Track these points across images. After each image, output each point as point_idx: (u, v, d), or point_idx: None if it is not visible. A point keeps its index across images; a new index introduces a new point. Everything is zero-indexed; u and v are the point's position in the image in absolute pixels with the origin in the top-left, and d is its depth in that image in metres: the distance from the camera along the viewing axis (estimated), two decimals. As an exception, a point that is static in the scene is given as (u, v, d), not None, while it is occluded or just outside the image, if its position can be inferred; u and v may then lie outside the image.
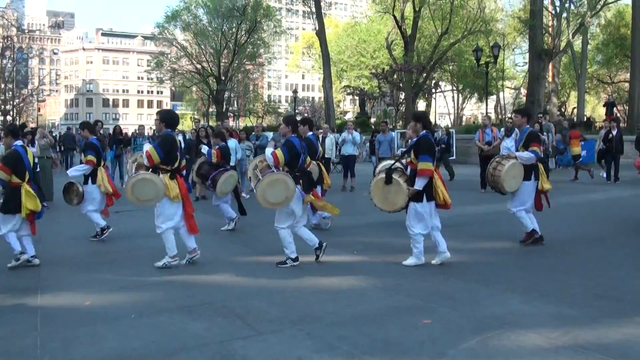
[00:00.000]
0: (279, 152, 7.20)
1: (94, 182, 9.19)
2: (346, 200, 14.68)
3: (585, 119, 39.05)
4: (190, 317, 5.40)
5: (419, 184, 7.07)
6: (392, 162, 7.83)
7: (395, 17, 40.93)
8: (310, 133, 9.63)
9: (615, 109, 40.08)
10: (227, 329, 5.06)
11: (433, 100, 57.70)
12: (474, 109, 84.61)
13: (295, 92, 52.80)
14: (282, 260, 7.40)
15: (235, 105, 64.40)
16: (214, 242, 8.87)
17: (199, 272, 7.08)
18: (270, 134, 19.35)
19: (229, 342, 4.76)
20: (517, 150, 8.64)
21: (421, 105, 59.66)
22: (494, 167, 8.46)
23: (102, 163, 9.50)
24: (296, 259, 7.37)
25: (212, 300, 5.89)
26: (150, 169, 7.31)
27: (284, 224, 7.35)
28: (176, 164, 7.35)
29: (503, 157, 8.66)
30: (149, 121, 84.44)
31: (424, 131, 7.32)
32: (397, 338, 4.79)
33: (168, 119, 7.58)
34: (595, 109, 63.56)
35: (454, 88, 62.21)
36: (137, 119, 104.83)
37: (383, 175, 7.34)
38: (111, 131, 21.53)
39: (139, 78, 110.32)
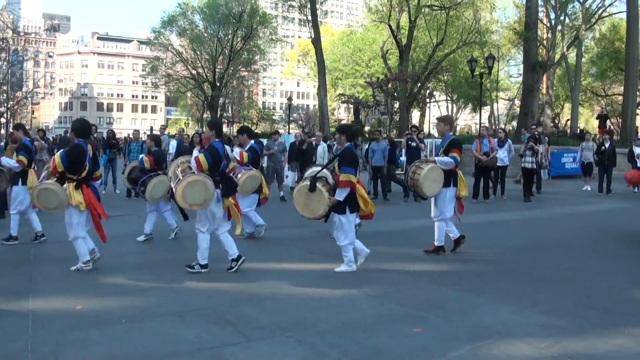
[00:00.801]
0: (202, 157, 7.23)
1: (24, 183, 9.23)
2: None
3: (578, 131, 39.24)
4: (182, 323, 5.41)
5: (340, 195, 7.20)
6: (319, 169, 7.93)
7: (390, 27, 41.12)
8: (252, 141, 9.91)
9: (608, 121, 40.34)
10: (217, 335, 5.07)
11: (427, 110, 57.84)
12: (468, 119, 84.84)
13: (290, 99, 52.90)
14: (191, 264, 7.42)
15: (230, 112, 64.45)
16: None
17: (190, 279, 7.08)
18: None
19: (220, 348, 4.76)
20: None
21: (415, 115, 59.93)
22: (413, 171, 8.49)
23: (33, 165, 9.58)
24: (205, 266, 7.37)
25: (203, 307, 5.90)
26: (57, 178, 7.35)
27: (204, 226, 7.38)
28: (83, 174, 7.37)
29: (422, 162, 8.71)
30: (143, 126, 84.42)
31: (348, 143, 7.49)
32: (387, 346, 4.81)
33: (78, 129, 7.62)
34: (589, 121, 63.81)
35: (448, 98, 62.42)
36: (131, 123, 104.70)
37: (308, 182, 7.41)
38: (105, 135, 21.49)
39: (133, 82, 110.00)
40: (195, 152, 7.56)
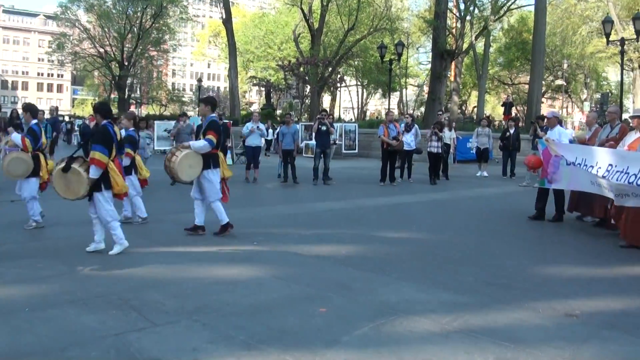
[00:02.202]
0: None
1: None
2: (249, 192, 14.64)
3: (484, 117, 40.67)
4: (85, 310, 5.23)
5: (93, 173, 7.16)
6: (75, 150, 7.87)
7: (302, 10, 41.14)
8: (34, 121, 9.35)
9: (514, 109, 42.05)
10: (122, 322, 4.94)
11: (338, 94, 58.36)
12: (377, 105, 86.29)
13: (200, 80, 51.96)
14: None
15: (138, 93, 62.68)
16: (108, 234, 8.62)
17: (94, 265, 6.86)
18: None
19: (124, 334, 4.64)
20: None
21: (326, 99, 60.34)
22: (168, 158, 8.45)
23: None
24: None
25: (107, 293, 5.72)
26: None
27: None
28: None
29: (178, 148, 8.66)
30: (48, 105, 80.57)
31: (104, 121, 7.44)
32: (293, 327, 4.84)
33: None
34: (495, 109, 66.31)
35: (359, 83, 63.17)
36: (36, 103, 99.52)
37: (63, 164, 7.31)
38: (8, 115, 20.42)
39: (39, 60, 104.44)
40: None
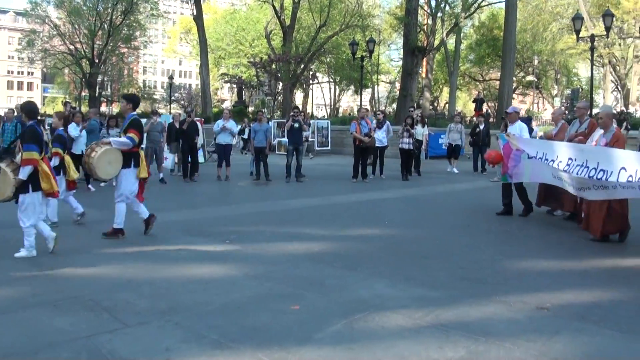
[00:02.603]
0: None
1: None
2: (221, 190, 14.59)
3: (456, 114, 40.99)
4: (57, 312, 5.16)
5: (23, 174, 7.05)
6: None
7: (274, 7, 41.02)
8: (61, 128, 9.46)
9: (485, 105, 42.42)
10: (93, 323, 4.89)
11: (310, 91, 58.33)
12: (350, 101, 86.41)
13: (171, 77, 51.54)
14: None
15: (109, 90, 61.89)
16: (82, 233, 8.55)
17: (66, 266, 6.77)
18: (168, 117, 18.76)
19: (96, 336, 4.60)
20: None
21: (299, 96, 60.27)
22: (87, 154, 8.30)
23: None
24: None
25: (79, 294, 5.65)
26: None
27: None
28: None
29: (97, 144, 8.49)
30: (19, 104, 78.87)
31: (31, 121, 7.32)
32: (265, 324, 4.84)
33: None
34: (467, 105, 66.84)
35: (331, 80, 63.18)
36: (6, 101, 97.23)
37: None
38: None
39: (9, 57, 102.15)
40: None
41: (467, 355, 4.31)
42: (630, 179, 7.48)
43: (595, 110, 26.45)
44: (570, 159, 8.68)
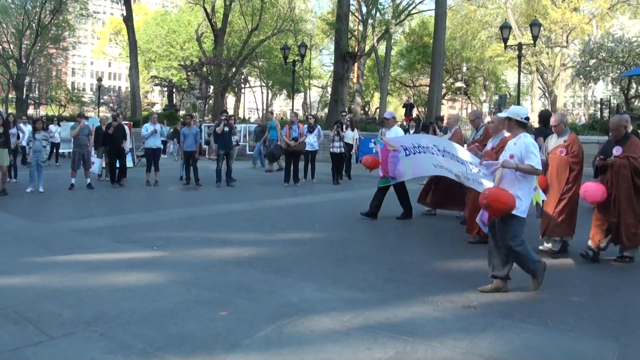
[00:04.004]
0: None
1: None
2: (150, 195, 14.32)
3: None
4: (-21, 326, 4.95)
5: None
6: None
7: (205, 9, 40.65)
8: None
9: (415, 110, 43.20)
10: (18, 336, 4.70)
11: (242, 95, 58.02)
12: (282, 105, 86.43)
13: (100, 80, 50.19)
14: None
15: (37, 92, 59.74)
16: (3, 242, 8.20)
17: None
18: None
19: (21, 349, 4.42)
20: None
21: (230, 100, 59.85)
22: None
23: None
24: None
25: (2, 306, 5.41)
26: None
27: None
28: None
29: None
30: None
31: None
32: (193, 332, 4.78)
33: None
34: (397, 110, 67.88)
35: (263, 84, 63.03)
36: None
37: None
38: None
39: None
40: None
41: (395, 355, 4.38)
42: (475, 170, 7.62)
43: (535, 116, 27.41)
44: (434, 145, 8.86)
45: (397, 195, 10.84)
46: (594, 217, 7.70)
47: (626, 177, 7.39)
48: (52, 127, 22.38)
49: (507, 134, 8.83)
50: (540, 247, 8.09)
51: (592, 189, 7.46)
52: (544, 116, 10.18)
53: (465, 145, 9.74)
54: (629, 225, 7.39)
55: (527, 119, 6.13)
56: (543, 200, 7.82)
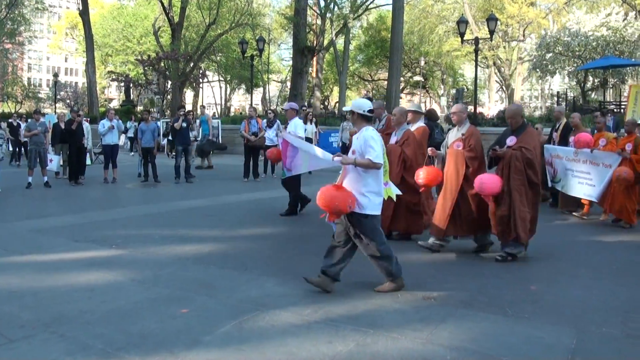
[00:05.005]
0: None
1: None
2: (108, 193, 14.15)
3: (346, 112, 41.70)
4: None
5: None
6: None
7: (162, 3, 40.19)
8: None
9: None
10: (-25, 341, 4.63)
11: (200, 90, 57.56)
12: (241, 100, 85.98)
13: (56, 75, 49.15)
14: None
15: (-7, 89, 58.29)
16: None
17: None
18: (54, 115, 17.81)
19: (-22, 354, 4.37)
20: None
21: (189, 95, 59.32)
22: None
23: None
24: None
25: (-42, 310, 5.34)
26: None
27: None
28: None
29: None
30: None
31: None
32: (153, 330, 4.77)
33: None
34: (357, 104, 67.95)
35: (222, 79, 62.64)
36: None
37: None
38: None
39: None
40: None
41: (356, 347, 4.45)
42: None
43: (488, 110, 27.85)
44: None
45: (288, 188, 10.77)
46: (490, 211, 7.37)
47: (518, 169, 7.07)
48: (21, 124, 21.89)
49: (412, 127, 8.67)
50: (420, 242, 7.83)
51: (488, 181, 7.07)
52: (430, 114, 10.37)
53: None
54: (524, 220, 7.07)
55: (371, 111, 5.87)
56: (397, 195, 7.62)
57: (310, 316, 5.12)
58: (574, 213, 10.86)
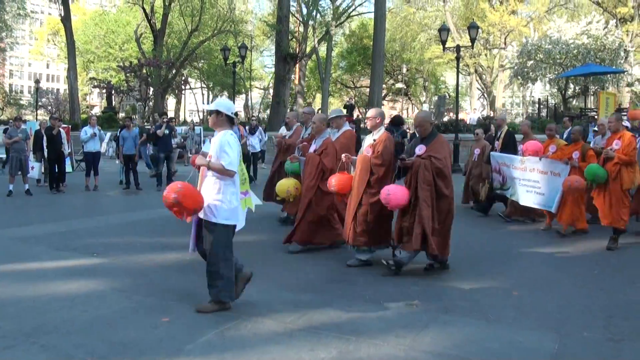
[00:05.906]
0: None
1: None
2: (89, 200, 14.05)
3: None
4: None
5: None
6: None
7: (144, 10, 40.08)
8: None
9: (356, 111, 43.59)
10: (-45, 352, 4.59)
11: (183, 97, 57.39)
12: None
13: (37, 82, 48.70)
14: None
15: (-25, 96, 57.75)
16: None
17: None
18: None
19: (-43, 366, 4.34)
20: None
21: (171, 102, 59.08)
22: None
23: None
24: None
25: (-63, 322, 5.27)
26: None
27: None
28: None
29: None
30: None
31: None
32: (135, 339, 4.76)
33: None
34: (339, 112, 68.01)
35: (204, 85, 62.49)
36: None
37: None
38: None
39: None
40: None
41: (339, 355, 4.47)
42: None
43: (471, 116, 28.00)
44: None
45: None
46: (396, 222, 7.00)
47: (427, 179, 6.59)
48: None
49: (338, 132, 8.26)
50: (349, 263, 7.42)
51: (395, 192, 6.63)
52: (395, 120, 10.29)
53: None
54: (435, 233, 6.61)
55: (236, 114, 5.58)
56: (307, 205, 7.11)
57: (293, 324, 5.14)
58: (526, 220, 10.84)
